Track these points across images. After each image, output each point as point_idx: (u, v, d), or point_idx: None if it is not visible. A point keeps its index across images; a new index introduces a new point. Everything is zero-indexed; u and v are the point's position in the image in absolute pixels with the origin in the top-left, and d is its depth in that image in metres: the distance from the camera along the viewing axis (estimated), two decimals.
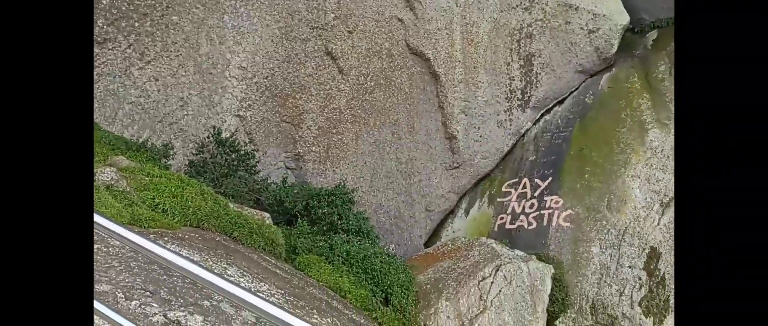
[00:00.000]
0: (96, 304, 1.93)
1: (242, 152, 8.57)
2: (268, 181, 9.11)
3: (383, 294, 7.91)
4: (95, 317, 2.01)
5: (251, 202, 8.43)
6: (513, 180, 11.18)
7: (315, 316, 5.33)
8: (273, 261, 6.86)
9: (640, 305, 9.19)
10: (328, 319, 5.53)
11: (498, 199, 11.27)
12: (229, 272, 5.02)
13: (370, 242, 8.92)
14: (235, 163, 8.39)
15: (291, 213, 8.66)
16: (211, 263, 4.90)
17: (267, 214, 7.99)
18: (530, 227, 10.45)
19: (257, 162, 8.83)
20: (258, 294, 2.87)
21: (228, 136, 8.67)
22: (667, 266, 9.47)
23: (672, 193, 9.87)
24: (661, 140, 10.03)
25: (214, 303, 4.08)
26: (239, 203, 7.87)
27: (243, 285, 4.03)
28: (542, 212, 10.45)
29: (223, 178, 8.01)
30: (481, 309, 8.52)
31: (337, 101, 9.84)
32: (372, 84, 10.11)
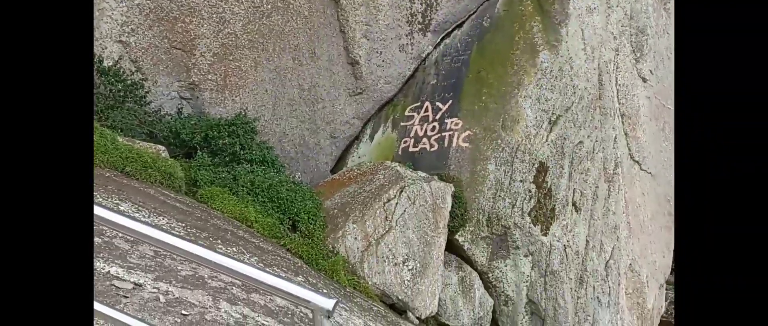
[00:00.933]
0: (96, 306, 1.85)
1: (129, 82, 7.91)
2: (162, 113, 8.57)
3: (290, 222, 7.96)
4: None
5: (144, 136, 7.92)
6: (415, 105, 11.41)
7: (220, 246, 5.27)
8: (172, 196, 6.60)
9: (529, 215, 10.06)
10: (234, 248, 5.50)
11: (401, 124, 11.51)
12: (121, 207, 4.77)
13: (275, 171, 8.82)
14: (121, 93, 7.75)
15: (189, 145, 8.27)
16: (100, 199, 4.60)
17: (162, 147, 7.58)
18: (432, 149, 10.85)
19: (147, 92, 8.21)
20: (157, 227, 2.76)
21: (111, 64, 7.93)
22: (553, 179, 10.36)
23: (559, 112, 10.64)
24: (550, 61, 10.62)
25: (107, 239, 3.88)
26: (130, 137, 7.36)
27: (140, 219, 3.84)
28: (443, 134, 10.85)
29: (109, 111, 7.40)
30: (387, 229, 8.89)
31: (232, 25, 9.26)
32: (269, 7, 9.60)
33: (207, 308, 3.65)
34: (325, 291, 6.06)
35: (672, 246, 16.18)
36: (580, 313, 10.36)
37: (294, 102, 10.35)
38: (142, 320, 2.44)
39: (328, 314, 1.53)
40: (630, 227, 12.38)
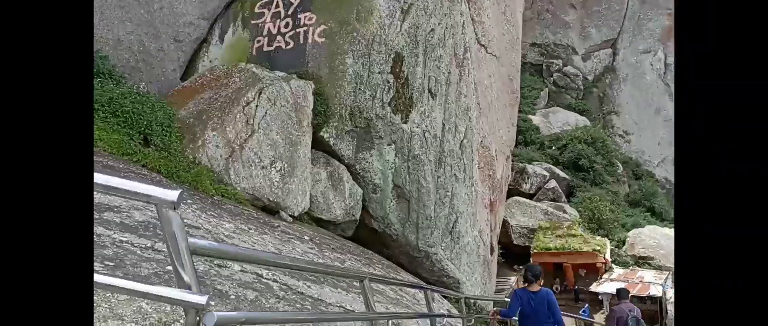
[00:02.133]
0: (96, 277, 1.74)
1: None
2: None
3: (141, 136, 7.39)
4: None
5: None
6: (265, 0, 10.76)
7: None
8: None
9: (389, 105, 10.40)
10: None
11: (252, 22, 10.85)
12: None
13: (114, 83, 7.96)
14: None
15: None
16: None
17: None
18: (288, 47, 10.48)
19: None
20: None
21: None
22: (409, 68, 10.69)
23: (411, 0, 10.74)
24: None
25: None
26: None
27: None
28: (297, 30, 10.48)
29: None
30: (250, 133, 8.67)
31: None
32: None
33: None
34: (190, 201, 5.86)
35: (515, 121, 18.01)
36: (441, 191, 11.32)
37: (126, 3, 9.17)
38: None
39: (174, 205, 1.47)
40: (480, 108, 13.44)
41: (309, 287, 4.32)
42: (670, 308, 22.52)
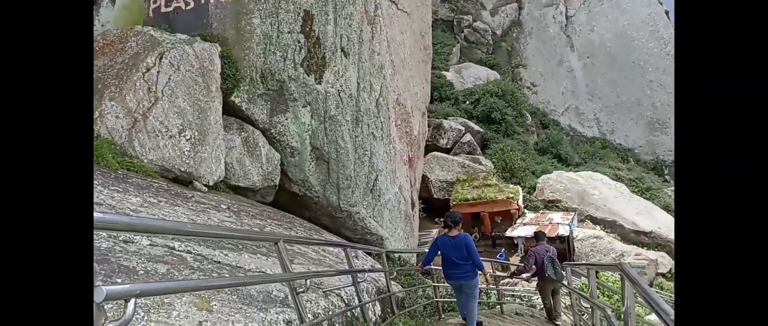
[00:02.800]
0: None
1: None
2: None
3: None
4: None
5: None
6: None
7: None
8: None
9: (302, 66, 10.15)
10: None
11: None
12: None
13: None
14: None
15: None
16: None
17: None
18: (188, 7, 9.85)
19: None
20: None
21: None
22: (320, 26, 10.42)
23: None
24: None
25: None
26: None
27: None
28: None
29: None
30: (153, 101, 8.13)
31: None
32: None
33: None
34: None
35: (429, 78, 18.28)
36: (359, 150, 11.35)
37: None
38: None
39: None
40: (393, 65, 13.48)
41: (226, 255, 4.20)
42: (577, 246, 24.46)
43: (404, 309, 6.89)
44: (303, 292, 2.84)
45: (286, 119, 10.21)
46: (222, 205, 7.38)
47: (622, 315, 2.77)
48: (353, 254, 7.98)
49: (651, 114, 45.21)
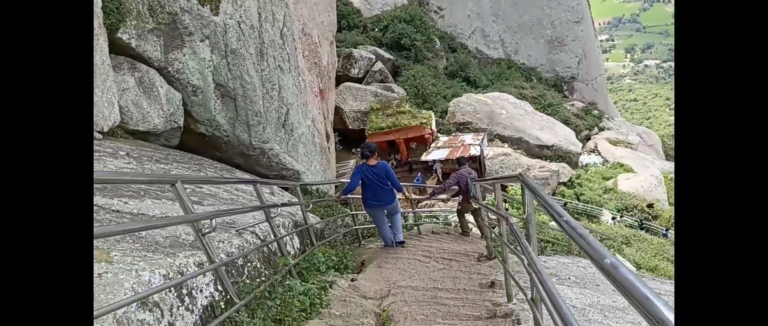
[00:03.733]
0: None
1: None
2: None
3: None
4: None
5: None
6: None
7: None
8: None
9: None
10: None
11: None
12: None
13: None
14: None
15: None
16: None
17: None
18: None
19: None
20: None
21: None
22: None
23: None
24: None
25: None
26: None
27: None
28: None
29: None
30: None
31: None
32: None
33: None
34: None
35: (334, 5, 17.68)
36: (267, 84, 10.92)
37: None
38: None
39: None
40: None
41: (126, 203, 3.94)
42: (488, 164, 25.77)
43: (324, 240, 6.96)
44: (210, 232, 2.73)
45: (184, 56, 9.52)
46: (120, 152, 6.88)
47: (524, 222, 2.93)
48: (269, 190, 7.86)
49: (550, 32, 47.20)
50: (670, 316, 1.00)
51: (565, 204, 24.88)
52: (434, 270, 6.08)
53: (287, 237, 5.23)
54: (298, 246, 5.82)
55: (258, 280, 3.86)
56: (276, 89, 11.15)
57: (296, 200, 6.43)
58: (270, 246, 4.52)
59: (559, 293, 1.87)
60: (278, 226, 4.88)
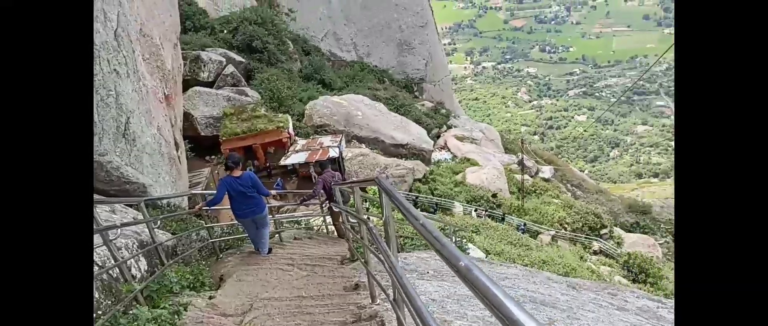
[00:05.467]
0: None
1: None
2: None
3: None
4: None
5: None
6: None
7: None
8: None
9: None
10: None
11: None
12: None
13: None
14: None
15: None
16: None
17: None
18: None
19: None
20: None
21: None
22: None
23: None
24: None
25: None
26: None
27: None
28: None
29: None
30: None
31: None
32: None
33: None
34: None
35: (176, 4, 16.55)
36: (102, 91, 9.83)
37: None
38: None
39: None
40: None
41: None
42: (347, 165, 26.15)
43: (177, 257, 6.45)
44: None
45: None
46: None
47: (384, 224, 2.96)
48: (109, 209, 7.07)
49: (399, 36, 49.43)
50: (521, 315, 1.04)
51: (417, 198, 26.24)
52: (298, 278, 5.96)
53: (131, 259, 4.72)
54: (146, 268, 5.29)
55: (95, 315, 3.41)
56: (112, 96, 10.08)
57: (142, 217, 5.85)
58: (110, 272, 4.04)
59: (417, 294, 1.90)
60: (120, 249, 4.38)
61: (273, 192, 7.95)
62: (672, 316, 5.65)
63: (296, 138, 28.42)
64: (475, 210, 26.98)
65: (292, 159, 25.31)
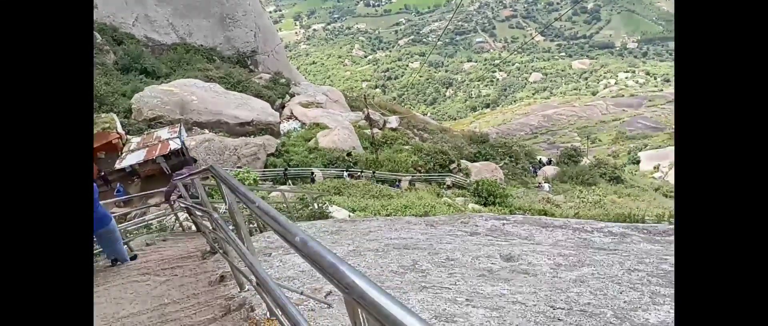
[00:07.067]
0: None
1: None
2: None
3: None
4: None
5: None
6: None
7: None
8: None
9: None
10: None
11: None
12: None
13: None
14: None
15: None
16: None
17: None
18: None
19: None
20: None
21: None
22: None
23: None
24: None
25: None
26: None
27: None
28: None
29: None
30: None
31: None
32: None
33: None
34: None
35: None
36: None
37: None
38: None
39: None
40: None
41: None
42: (194, 154, 24.61)
43: None
44: None
45: None
46: None
47: (229, 213, 2.86)
48: None
49: (220, 10, 46.82)
50: (357, 279, 1.07)
51: (286, 170, 25.91)
52: (156, 286, 5.56)
53: None
54: None
55: None
56: None
57: None
58: None
59: (269, 276, 1.89)
60: None
61: (114, 200, 7.20)
62: (514, 229, 6.37)
63: (128, 137, 25.93)
64: (347, 172, 27.39)
65: (129, 160, 23.12)
